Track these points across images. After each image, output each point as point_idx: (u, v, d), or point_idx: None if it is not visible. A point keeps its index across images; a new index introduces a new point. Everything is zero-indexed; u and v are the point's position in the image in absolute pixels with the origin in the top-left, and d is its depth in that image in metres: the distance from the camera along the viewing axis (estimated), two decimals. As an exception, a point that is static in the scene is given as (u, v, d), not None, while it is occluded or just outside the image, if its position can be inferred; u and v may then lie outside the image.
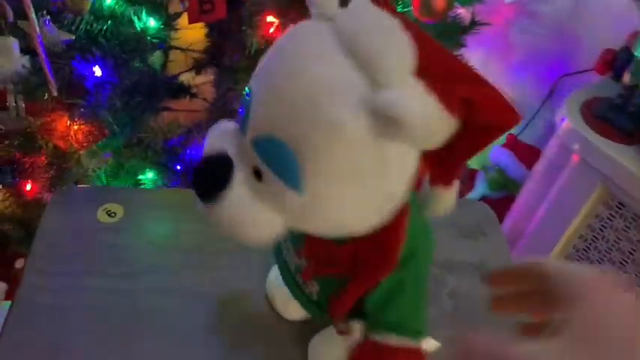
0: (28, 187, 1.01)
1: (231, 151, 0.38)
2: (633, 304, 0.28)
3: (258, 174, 0.36)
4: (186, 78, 1.12)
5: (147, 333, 0.56)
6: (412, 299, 0.44)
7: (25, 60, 0.75)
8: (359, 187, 0.35)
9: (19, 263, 1.22)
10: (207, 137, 0.40)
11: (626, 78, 0.85)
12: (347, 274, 0.42)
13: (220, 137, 0.39)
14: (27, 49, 0.75)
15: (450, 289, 0.65)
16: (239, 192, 0.37)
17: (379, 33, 0.32)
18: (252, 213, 0.37)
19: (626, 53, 0.87)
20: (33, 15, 0.70)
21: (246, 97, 0.37)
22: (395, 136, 0.32)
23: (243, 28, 0.78)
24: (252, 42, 0.77)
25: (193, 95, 1.12)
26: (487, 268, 0.67)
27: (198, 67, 1.14)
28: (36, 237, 0.64)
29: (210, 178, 0.37)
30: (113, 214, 0.67)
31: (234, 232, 0.38)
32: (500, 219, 1.20)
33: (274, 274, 0.58)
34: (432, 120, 0.31)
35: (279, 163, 0.35)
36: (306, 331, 0.56)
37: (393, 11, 0.36)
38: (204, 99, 1.09)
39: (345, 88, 0.32)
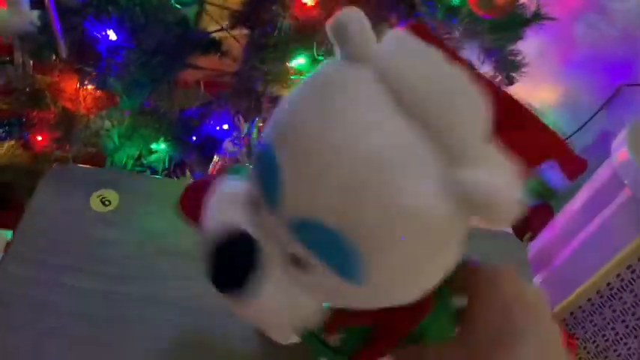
0: (39, 138, 0.96)
1: (254, 231, 0.30)
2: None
3: (296, 261, 0.29)
4: (218, 35, 1.05)
5: (130, 345, 0.52)
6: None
7: (34, 15, 0.68)
8: (427, 269, 0.29)
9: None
10: (212, 207, 0.32)
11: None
12: (376, 323, 0.35)
13: (232, 209, 0.31)
14: (36, 4, 0.68)
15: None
16: (274, 281, 0.30)
17: (445, 87, 0.26)
18: (290, 303, 0.31)
19: None
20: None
21: (267, 160, 0.29)
22: (477, 218, 0.26)
23: (274, 7, 0.69)
24: (283, 23, 0.69)
25: (224, 53, 1.03)
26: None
27: (232, 23, 1.06)
28: (24, 216, 0.59)
29: (234, 266, 0.30)
30: (107, 203, 0.61)
31: (265, 322, 0.32)
32: (531, 227, 1.13)
33: None
34: (518, 198, 0.26)
35: (333, 254, 0.28)
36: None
37: (439, 43, 0.28)
38: (235, 58, 1.01)
39: (417, 163, 0.26)
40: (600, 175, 0.90)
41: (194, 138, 0.96)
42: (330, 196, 0.26)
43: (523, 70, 1.02)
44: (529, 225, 1.24)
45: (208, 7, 1.01)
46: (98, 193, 0.62)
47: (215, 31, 1.03)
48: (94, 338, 0.52)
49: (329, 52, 0.71)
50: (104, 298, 0.54)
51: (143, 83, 0.84)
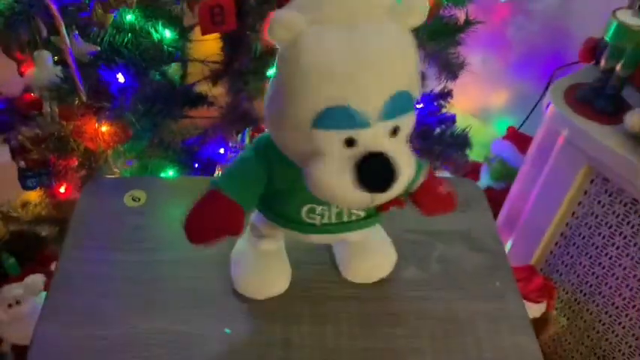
0: (62, 189, 1.12)
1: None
2: None
3: (394, 131, 0.44)
4: (203, 88, 1.22)
5: (169, 296, 0.65)
6: None
7: (58, 70, 0.85)
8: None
9: (54, 266, 1.31)
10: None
11: (603, 62, 0.91)
12: None
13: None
14: (58, 61, 0.86)
15: (439, 255, 0.72)
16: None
17: None
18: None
19: (605, 41, 0.93)
20: (64, 30, 0.80)
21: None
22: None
23: (248, 32, 0.87)
24: (257, 45, 0.86)
25: (210, 104, 1.21)
26: (472, 237, 0.74)
27: (214, 78, 1.24)
28: (72, 218, 0.73)
29: (384, 173, 0.44)
30: (137, 199, 0.76)
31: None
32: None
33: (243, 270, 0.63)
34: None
35: (408, 104, 0.44)
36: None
37: None
38: (221, 107, 1.18)
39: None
40: (538, 135, 1.07)
41: (196, 165, 1.11)
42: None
43: (467, 71, 1.20)
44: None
45: (191, 65, 1.19)
46: (129, 193, 0.77)
47: (199, 81, 1.20)
48: (139, 296, 0.65)
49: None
50: (144, 265, 0.68)
51: (147, 128, 1.01)
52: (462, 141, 1.28)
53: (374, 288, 0.66)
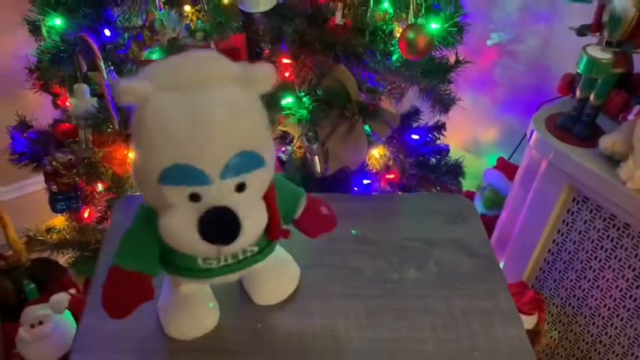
0: (86, 214, 1.20)
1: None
2: None
3: (240, 187, 0.47)
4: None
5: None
6: None
7: (94, 101, 0.96)
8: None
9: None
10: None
11: (578, 93, 1.03)
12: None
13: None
14: (94, 94, 0.96)
15: (436, 259, 0.79)
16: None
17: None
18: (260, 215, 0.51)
19: (580, 75, 1.05)
20: (102, 65, 0.91)
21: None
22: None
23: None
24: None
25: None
26: (465, 244, 0.83)
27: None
28: (107, 229, 0.82)
29: (226, 228, 0.46)
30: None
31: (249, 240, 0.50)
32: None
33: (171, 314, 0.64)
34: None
35: (253, 163, 0.47)
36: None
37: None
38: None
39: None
40: (523, 161, 1.17)
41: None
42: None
43: (459, 107, 1.31)
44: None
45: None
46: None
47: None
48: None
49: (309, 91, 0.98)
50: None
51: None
52: (456, 170, 1.38)
53: (377, 287, 0.73)
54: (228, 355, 0.64)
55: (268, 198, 0.52)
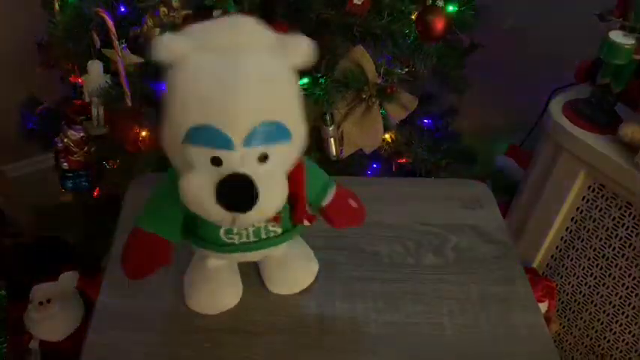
0: (95, 193, 1.19)
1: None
2: None
3: (262, 158, 0.46)
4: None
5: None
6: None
7: (108, 77, 0.95)
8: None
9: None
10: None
11: (598, 79, 1.01)
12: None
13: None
14: (107, 70, 0.95)
15: (453, 245, 0.79)
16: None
17: None
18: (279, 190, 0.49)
19: (599, 62, 1.03)
20: (117, 43, 0.89)
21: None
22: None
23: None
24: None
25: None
26: (482, 230, 0.82)
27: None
28: (122, 208, 0.80)
29: (243, 195, 0.46)
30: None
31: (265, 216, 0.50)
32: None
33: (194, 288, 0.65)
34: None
35: (277, 134, 0.46)
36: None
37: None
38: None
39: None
40: (540, 148, 1.16)
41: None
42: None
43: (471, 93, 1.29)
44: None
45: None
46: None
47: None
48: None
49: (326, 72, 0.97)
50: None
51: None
52: (468, 156, 1.37)
53: (394, 272, 0.73)
54: (246, 335, 0.64)
55: (297, 180, 0.51)
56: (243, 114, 0.44)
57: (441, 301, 0.70)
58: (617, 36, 0.92)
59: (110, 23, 0.85)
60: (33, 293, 1.23)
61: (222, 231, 0.55)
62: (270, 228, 0.57)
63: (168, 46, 0.44)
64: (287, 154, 0.48)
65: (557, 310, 1.22)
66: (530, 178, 1.20)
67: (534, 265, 1.22)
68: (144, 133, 1.00)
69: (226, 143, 0.44)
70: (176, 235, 0.56)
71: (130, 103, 0.93)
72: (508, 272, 0.76)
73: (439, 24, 1.07)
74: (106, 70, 0.96)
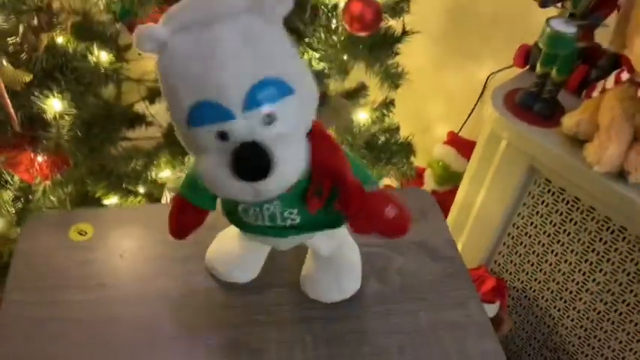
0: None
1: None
2: None
3: (269, 120, 0.45)
4: (140, 107, 1.17)
5: (124, 337, 0.62)
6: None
7: (-14, 100, 0.80)
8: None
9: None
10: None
11: (538, 68, 0.95)
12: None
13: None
14: (-13, 90, 0.80)
15: (398, 267, 0.72)
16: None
17: None
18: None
19: (539, 47, 0.97)
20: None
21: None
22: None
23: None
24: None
25: (149, 124, 1.17)
26: (429, 246, 0.75)
27: (151, 97, 1.20)
28: (13, 259, 0.69)
29: (259, 162, 0.45)
30: (84, 233, 0.72)
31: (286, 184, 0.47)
32: (448, 209, 1.30)
33: (215, 247, 0.68)
34: None
35: (281, 90, 0.45)
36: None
37: None
38: (160, 125, 1.15)
39: None
40: (481, 140, 1.10)
41: (141, 190, 1.07)
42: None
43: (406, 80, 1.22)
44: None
45: (126, 85, 1.15)
46: (74, 227, 0.73)
47: (136, 102, 1.16)
48: (92, 339, 0.61)
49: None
50: (96, 304, 0.64)
51: (86, 155, 0.96)
52: (407, 149, 1.30)
53: (336, 307, 0.65)
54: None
55: (336, 162, 0.50)
56: (232, 78, 0.43)
57: (389, 338, 0.64)
58: (558, 24, 0.85)
59: (-21, 35, 0.71)
60: None
61: (240, 208, 0.55)
62: (287, 215, 0.54)
63: (148, 36, 0.43)
64: (295, 110, 0.46)
65: (508, 307, 1.18)
66: (472, 170, 1.14)
67: (482, 262, 1.17)
68: (40, 159, 0.86)
69: (226, 114, 0.43)
70: (211, 204, 0.57)
71: (17, 128, 0.79)
72: (459, 293, 0.71)
73: (368, 14, 0.99)
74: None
